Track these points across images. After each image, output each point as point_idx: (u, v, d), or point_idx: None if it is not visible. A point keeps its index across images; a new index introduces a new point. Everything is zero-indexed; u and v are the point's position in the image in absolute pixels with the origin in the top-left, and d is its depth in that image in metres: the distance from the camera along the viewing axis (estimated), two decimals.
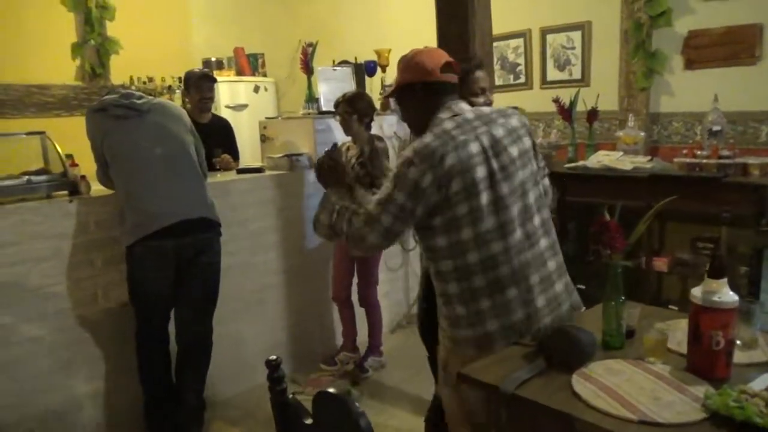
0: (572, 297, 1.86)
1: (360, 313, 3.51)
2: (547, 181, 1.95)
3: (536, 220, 1.75)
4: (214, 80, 3.58)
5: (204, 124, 3.49)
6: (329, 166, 1.88)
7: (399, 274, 4.18)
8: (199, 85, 3.49)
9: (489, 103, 2.00)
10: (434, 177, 1.61)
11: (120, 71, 4.83)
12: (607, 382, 1.41)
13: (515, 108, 3.88)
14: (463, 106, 1.77)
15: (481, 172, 1.65)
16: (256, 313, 3.35)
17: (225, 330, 3.05)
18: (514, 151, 1.71)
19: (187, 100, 3.68)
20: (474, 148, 1.66)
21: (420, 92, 1.76)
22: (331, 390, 0.86)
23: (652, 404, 1.31)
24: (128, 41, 4.79)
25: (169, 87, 5.11)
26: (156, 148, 2.56)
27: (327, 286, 3.62)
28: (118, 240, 2.67)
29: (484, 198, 1.65)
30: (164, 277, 2.60)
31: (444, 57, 1.78)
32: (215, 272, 2.76)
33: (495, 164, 1.67)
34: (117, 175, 2.58)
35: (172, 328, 2.74)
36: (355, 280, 3.48)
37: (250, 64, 5.73)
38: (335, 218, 1.75)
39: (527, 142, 1.78)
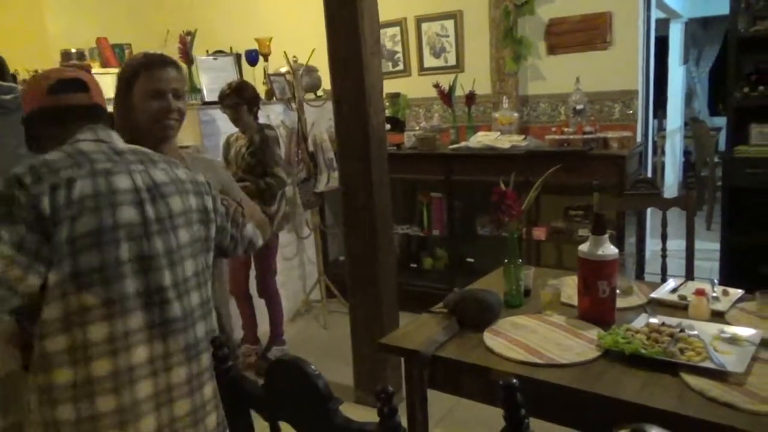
0: None
1: (259, 304, 3.47)
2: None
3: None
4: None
5: None
6: None
7: (294, 263, 4.18)
8: None
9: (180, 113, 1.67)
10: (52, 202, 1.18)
11: None
12: (515, 336, 1.56)
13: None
14: (114, 134, 1.37)
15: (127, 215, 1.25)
16: None
17: None
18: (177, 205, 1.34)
19: None
20: (123, 182, 1.27)
21: (37, 123, 1.39)
22: (283, 357, 0.88)
23: (556, 349, 1.47)
24: None
25: (25, 81, 4.68)
26: (20, 147, 2.34)
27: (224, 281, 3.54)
28: None
29: (124, 251, 1.24)
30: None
31: (58, 74, 1.38)
32: None
33: (151, 212, 1.29)
34: None
35: None
36: (252, 272, 3.43)
37: (116, 55, 5.38)
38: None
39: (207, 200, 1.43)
